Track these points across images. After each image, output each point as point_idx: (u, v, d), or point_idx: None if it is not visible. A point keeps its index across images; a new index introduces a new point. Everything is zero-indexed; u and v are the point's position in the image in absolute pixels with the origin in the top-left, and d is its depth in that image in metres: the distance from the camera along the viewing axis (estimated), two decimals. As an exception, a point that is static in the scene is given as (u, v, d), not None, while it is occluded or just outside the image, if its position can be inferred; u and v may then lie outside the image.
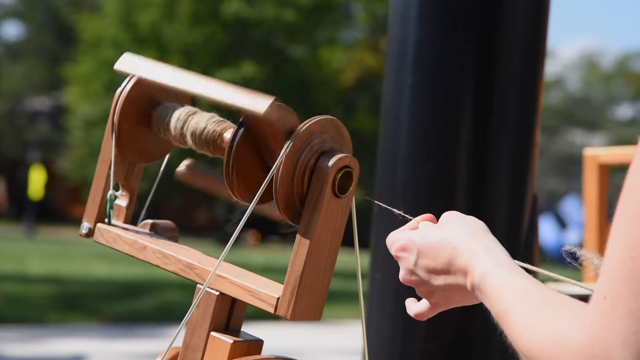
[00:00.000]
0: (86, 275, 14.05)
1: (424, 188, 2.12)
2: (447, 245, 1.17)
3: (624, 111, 40.37)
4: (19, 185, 31.31)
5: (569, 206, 25.83)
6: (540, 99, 2.16)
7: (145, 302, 11.47)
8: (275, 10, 24.26)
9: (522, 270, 1.09)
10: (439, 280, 1.19)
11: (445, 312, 2.13)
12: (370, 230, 2.21)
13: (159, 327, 9.84)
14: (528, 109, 2.14)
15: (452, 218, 1.24)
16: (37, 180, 27.33)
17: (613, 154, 2.94)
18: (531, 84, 2.15)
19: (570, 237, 23.77)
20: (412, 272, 1.23)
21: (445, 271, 1.17)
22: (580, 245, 1.20)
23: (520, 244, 2.10)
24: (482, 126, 2.10)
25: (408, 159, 2.13)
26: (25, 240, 22.99)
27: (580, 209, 25.10)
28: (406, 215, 1.40)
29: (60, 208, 33.67)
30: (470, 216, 1.24)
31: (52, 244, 22.09)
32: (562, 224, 25.11)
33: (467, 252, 1.14)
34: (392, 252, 1.25)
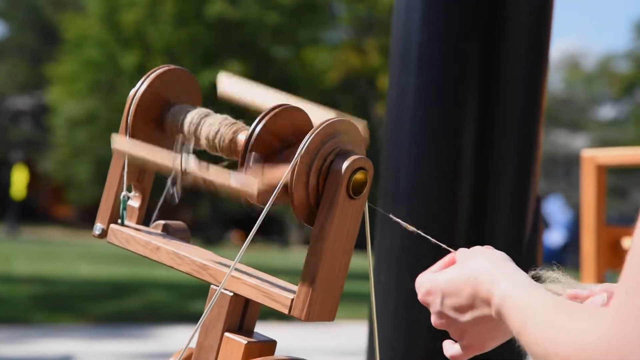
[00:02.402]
0: (72, 276, 14.01)
1: (427, 189, 2.13)
2: (468, 279, 1.17)
3: (606, 112, 40.55)
4: (1, 185, 31.18)
5: (551, 206, 25.91)
6: (544, 101, 2.18)
7: (132, 302, 11.46)
8: (259, 10, 24.26)
9: (541, 287, 1.10)
10: (467, 317, 1.19)
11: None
12: (374, 232, 2.22)
13: (146, 327, 9.83)
14: (531, 110, 2.15)
15: (471, 252, 1.24)
16: (19, 180, 27.23)
17: (611, 155, 2.96)
18: (534, 85, 2.16)
19: (554, 238, 23.85)
20: (441, 315, 1.22)
21: (470, 306, 1.17)
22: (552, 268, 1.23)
23: (524, 245, 2.12)
24: (485, 127, 2.12)
25: (411, 160, 2.14)
26: (8, 241, 22.91)
27: (563, 209, 25.19)
28: (442, 245, 1.41)
29: (43, 208, 33.55)
30: (488, 247, 1.25)
31: (36, 244, 22.01)
32: (545, 224, 25.17)
33: (487, 282, 1.14)
34: (419, 298, 1.25)
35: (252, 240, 1.40)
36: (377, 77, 28.23)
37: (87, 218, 32.63)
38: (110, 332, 9.46)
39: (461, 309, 1.19)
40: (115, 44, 24.36)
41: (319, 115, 1.48)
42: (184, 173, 1.42)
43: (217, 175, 1.39)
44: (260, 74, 23.39)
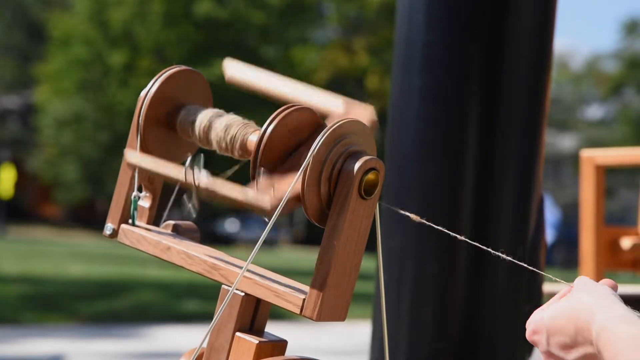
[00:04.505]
0: (61, 275, 13.98)
1: (431, 189, 2.14)
2: (570, 317, 1.17)
3: (594, 111, 40.69)
4: (-12, 185, 31.09)
5: (540, 206, 25.92)
6: (547, 100, 2.18)
7: (122, 302, 11.44)
8: (247, 10, 24.22)
9: (638, 319, 1.10)
10: (573, 355, 1.18)
11: (451, 312, 2.15)
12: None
13: (136, 327, 9.82)
14: (535, 110, 2.16)
15: (577, 288, 1.22)
16: (7, 180, 27.15)
17: (609, 155, 2.99)
18: (537, 85, 2.17)
19: (542, 237, 23.87)
20: (548, 354, 1.21)
21: (575, 343, 1.17)
22: None
23: (527, 246, 2.12)
24: (488, 127, 2.12)
25: (415, 160, 2.15)
26: (-4, 240, 22.85)
27: (552, 209, 25.22)
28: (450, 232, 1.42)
29: (30, 207, 33.47)
30: (597, 283, 1.23)
31: (24, 243, 21.94)
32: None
33: (587, 318, 1.14)
34: (527, 337, 1.24)
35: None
36: (366, 76, 28.25)
37: (74, 218, 32.56)
38: (99, 331, 9.45)
39: (566, 347, 1.18)
40: (102, 42, 24.27)
41: (326, 101, 1.50)
42: (197, 188, 1.42)
43: (230, 190, 1.39)
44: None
